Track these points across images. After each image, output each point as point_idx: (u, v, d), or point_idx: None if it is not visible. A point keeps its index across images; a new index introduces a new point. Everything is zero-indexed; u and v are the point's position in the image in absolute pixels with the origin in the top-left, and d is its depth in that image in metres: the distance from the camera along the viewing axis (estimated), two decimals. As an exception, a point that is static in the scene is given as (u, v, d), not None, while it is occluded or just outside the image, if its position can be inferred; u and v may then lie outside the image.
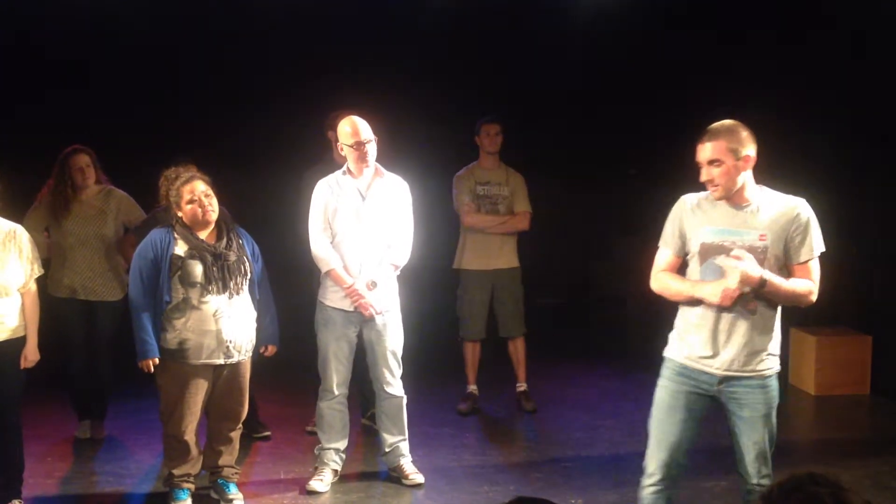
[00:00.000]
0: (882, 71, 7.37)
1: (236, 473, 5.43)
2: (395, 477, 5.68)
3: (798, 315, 7.91)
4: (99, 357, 6.29)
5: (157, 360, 5.03)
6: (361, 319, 5.50)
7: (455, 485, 5.66)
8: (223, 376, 5.18)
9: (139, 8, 8.08)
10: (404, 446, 5.69)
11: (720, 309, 3.94)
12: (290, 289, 6.48)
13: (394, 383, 5.60)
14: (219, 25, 8.36)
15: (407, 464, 5.68)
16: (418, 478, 5.63)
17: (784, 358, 7.85)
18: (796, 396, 7.67)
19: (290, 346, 5.76)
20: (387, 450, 5.68)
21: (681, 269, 4.15)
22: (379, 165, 5.54)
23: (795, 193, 4.08)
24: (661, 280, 4.12)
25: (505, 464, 6.06)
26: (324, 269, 5.49)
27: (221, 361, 5.11)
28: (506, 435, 6.75)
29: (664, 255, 4.16)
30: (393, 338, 5.57)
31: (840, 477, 2.19)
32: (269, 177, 8.09)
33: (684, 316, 4.09)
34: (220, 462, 5.34)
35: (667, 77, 8.72)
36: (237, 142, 8.37)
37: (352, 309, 5.47)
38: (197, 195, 5.08)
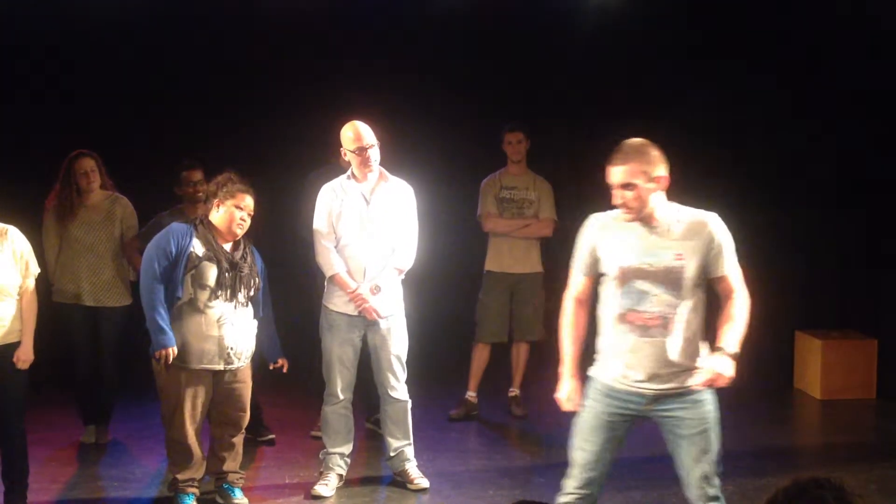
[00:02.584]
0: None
1: (241, 478, 5.42)
2: (399, 481, 5.68)
3: (803, 319, 7.91)
4: (104, 362, 6.28)
5: (175, 351, 4.99)
6: (366, 324, 5.50)
7: (460, 489, 5.66)
8: (223, 382, 5.17)
9: (141, 9, 8.08)
10: (409, 451, 5.68)
11: (643, 331, 3.90)
12: (293, 292, 6.48)
13: (398, 387, 5.60)
14: (223, 26, 8.35)
15: (412, 468, 5.67)
16: (423, 482, 5.63)
17: (789, 362, 7.91)
18: (802, 400, 7.66)
19: (294, 351, 5.75)
20: (391, 454, 5.68)
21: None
22: (383, 170, 5.54)
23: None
24: (563, 321, 4.12)
25: (509, 468, 6.06)
26: (328, 273, 5.49)
27: (221, 367, 5.10)
28: (510, 439, 6.75)
29: (576, 278, 4.12)
30: (397, 342, 5.56)
31: (844, 481, 2.18)
32: (273, 179, 8.09)
33: (607, 337, 4.03)
34: (225, 467, 5.34)
35: (670, 81, 8.71)
36: (240, 144, 8.37)
37: (356, 313, 5.46)
38: (245, 206, 5.12)
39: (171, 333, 4.98)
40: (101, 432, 6.39)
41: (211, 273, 5.03)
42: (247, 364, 5.23)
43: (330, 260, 5.46)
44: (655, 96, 8.43)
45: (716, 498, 3.92)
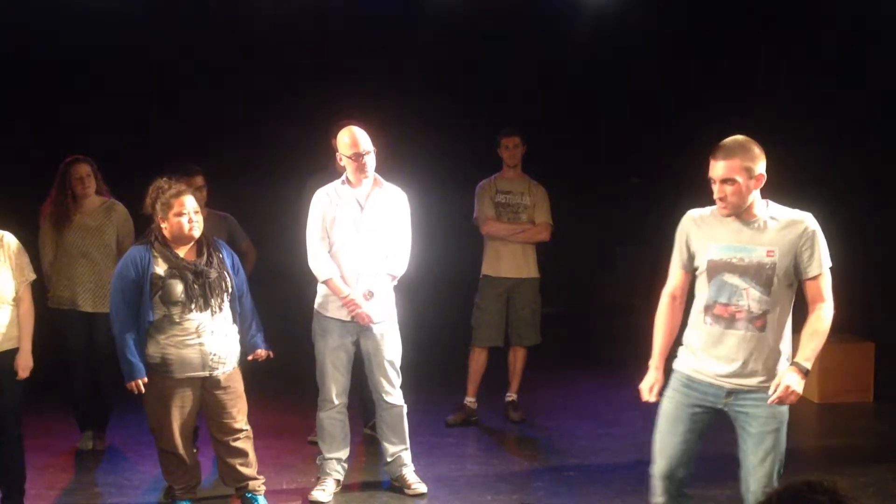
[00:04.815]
0: (878, 79, 7.37)
1: (263, 484, 5.37)
2: (397, 487, 5.67)
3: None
4: (100, 368, 6.27)
5: (145, 380, 4.94)
6: (359, 329, 5.50)
7: (457, 494, 5.65)
8: (210, 390, 5.09)
9: (139, 11, 8.09)
10: (406, 456, 5.68)
11: (729, 323, 3.97)
12: (291, 296, 6.48)
13: (393, 392, 5.60)
14: (222, 31, 8.36)
15: (409, 473, 5.67)
16: (421, 487, 5.63)
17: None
18: (799, 404, 7.51)
19: (291, 355, 5.75)
20: (388, 459, 5.67)
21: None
22: (378, 176, 5.54)
23: (799, 205, 4.08)
24: (657, 314, 4.22)
25: (507, 473, 6.05)
26: (321, 278, 5.48)
27: (206, 374, 5.04)
28: (508, 444, 6.74)
29: (673, 272, 4.20)
30: (391, 347, 5.56)
31: (837, 484, 2.18)
32: (272, 183, 8.11)
33: (693, 329, 4.11)
34: (241, 475, 5.28)
35: (669, 85, 8.73)
36: (240, 148, 8.39)
37: (349, 318, 5.46)
38: (186, 209, 4.99)
39: (139, 365, 4.92)
40: (98, 438, 6.39)
41: (177, 289, 4.93)
42: (234, 369, 5.16)
43: (323, 265, 5.46)
44: (654, 96, 8.46)
45: None
